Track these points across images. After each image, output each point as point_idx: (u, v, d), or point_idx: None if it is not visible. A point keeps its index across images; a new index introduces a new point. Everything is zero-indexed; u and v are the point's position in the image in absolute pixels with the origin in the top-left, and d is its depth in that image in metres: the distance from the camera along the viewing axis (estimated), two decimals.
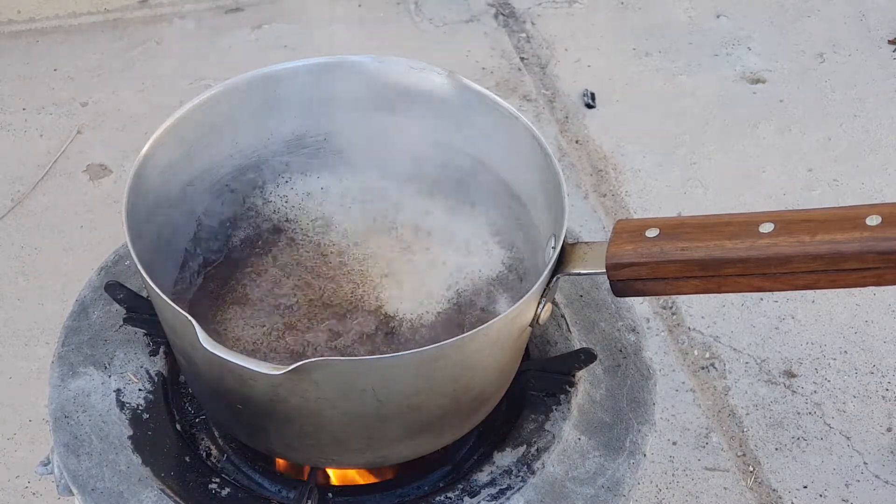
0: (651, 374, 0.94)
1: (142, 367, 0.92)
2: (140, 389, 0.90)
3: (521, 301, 0.73)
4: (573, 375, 0.92)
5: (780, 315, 1.75)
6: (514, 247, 0.88)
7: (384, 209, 0.93)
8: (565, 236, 0.74)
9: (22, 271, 1.78)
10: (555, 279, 0.74)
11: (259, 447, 0.83)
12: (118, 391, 0.90)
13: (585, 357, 0.91)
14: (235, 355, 0.68)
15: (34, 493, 1.47)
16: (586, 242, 0.74)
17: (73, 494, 0.86)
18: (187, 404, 0.92)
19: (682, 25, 2.34)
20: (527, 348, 0.96)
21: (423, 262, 0.90)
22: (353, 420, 0.75)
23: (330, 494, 0.86)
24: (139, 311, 0.93)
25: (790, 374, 1.66)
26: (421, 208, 0.92)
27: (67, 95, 2.14)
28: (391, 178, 0.93)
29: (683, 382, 1.63)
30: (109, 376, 0.91)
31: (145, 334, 0.94)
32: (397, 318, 0.86)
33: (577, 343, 0.96)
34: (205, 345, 0.68)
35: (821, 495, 1.50)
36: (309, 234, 0.93)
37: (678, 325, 1.73)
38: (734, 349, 1.69)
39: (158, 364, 0.93)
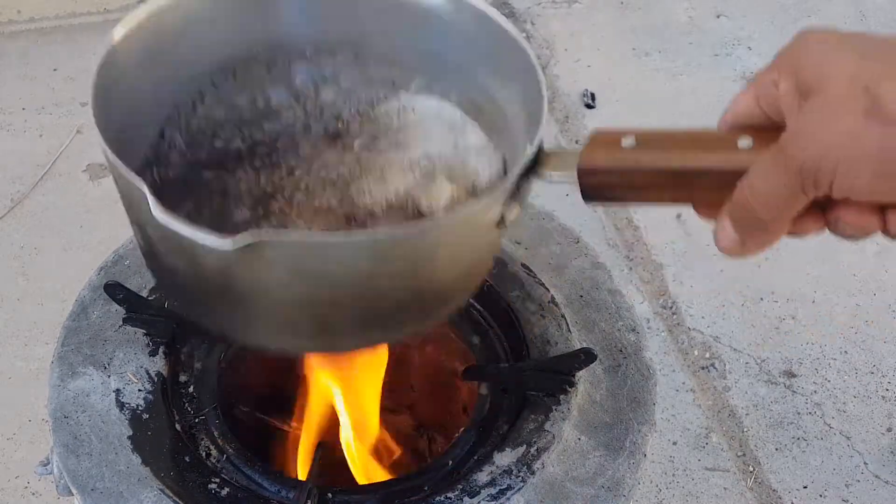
0: (651, 374, 0.94)
1: (141, 367, 0.92)
2: (140, 390, 0.90)
3: (485, 195, 0.71)
4: (573, 375, 0.92)
5: (780, 315, 1.76)
6: (492, 159, 0.87)
7: (374, 99, 0.92)
8: (541, 142, 0.73)
9: (21, 271, 1.78)
10: (525, 180, 0.72)
11: (208, 328, 0.82)
12: (118, 391, 0.90)
13: (585, 357, 0.91)
14: (186, 226, 0.65)
15: (34, 494, 1.47)
16: (562, 149, 0.73)
17: (73, 494, 0.86)
18: (187, 404, 0.92)
19: (682, 25, 2.35)
20: (521, 342, 0.96)
21: (407, 159, 0.89)
22: (305, 304, 0.73)
23: (330, 494, 0.85)
24: (139, 311, 0.93)
25: (790, 374, 1.66)
26: (413, 105, 0.91)
27: (67, 95, 2.14)
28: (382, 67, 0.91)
29: (683, 382, 1.63)
30: (109, 376, 0.91)
31: (145, 334, 0.94)
32: (375, 211, 0.85)
33: (577, 343, 0.96)
34: (155, 214, 0.65)
35: (821, 495, 1.50)
36: (292, 126, 0.92)
37: (678, 325, 1.73)
38: (734, 349, 1.69)
39: (158, 364, 0.93)
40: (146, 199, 0.66)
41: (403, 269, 0.72)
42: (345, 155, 0.91)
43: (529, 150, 0.71)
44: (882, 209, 0.58)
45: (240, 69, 0.90)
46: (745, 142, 0.62)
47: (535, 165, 0.72)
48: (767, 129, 0.60)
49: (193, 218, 0.84)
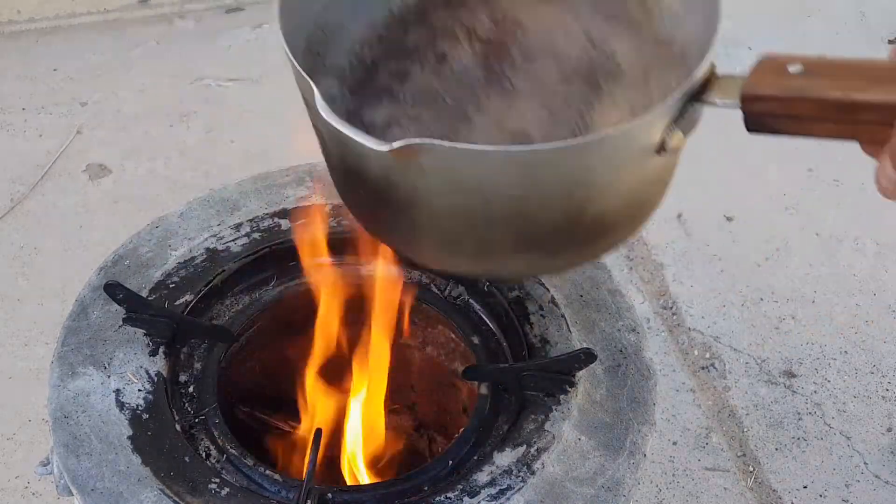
0: (651, 375, 0.94)
1: (141, 367, 0.92)
2: (140, 390, 0.90)
3: (642, 116, 0.68)
4: (573, 375, 0.92)
5: (780, 315, 1.75)
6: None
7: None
8: (711, 65, 0.70)
9: (21, 271, 1.78)
10: (690, 105, 0.69)
11: (385, 241, 0.83)
12: (118, 391, 0.90)
13: (585, 357, 0.91)
14: (345, 125, 0.67)
15: (34, 494, 1.47)
16: (731, 75, 0.70)
17: (73, 494, 0.86)
18: (187, 404, 0.92)
19: None
20: (521, 342, 0.96)
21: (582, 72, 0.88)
22: (462, 217, 0.73)
23: (330, 495, 0.85)
24: (139, 311, 0.93)
25: (790, 374, 1.66)
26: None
27: (67, 95, 2.14)
28: None
29: (683, 382, 1.63)
30: (109, 376, 0.91)
31: (145, 334, 0.94)
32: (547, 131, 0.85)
33: (577, 343, 0.96)
34: (320, 110, 0.67)
35: (821, 495, 1.50)
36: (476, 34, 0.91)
37: (678, 325, 1.73)
38: (734, 349, 1.69)
39: (158, 364, 0.93)
40: (315, 96, 0.67)
41: (556, 187, 0.70)
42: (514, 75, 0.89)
43: (694, 73, 0.69)
44: None
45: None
46: None
47: (702, 89, 0.69)
48: None
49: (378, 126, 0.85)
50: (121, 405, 0.89)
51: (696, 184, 1.93)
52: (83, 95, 2.14)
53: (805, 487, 1.51)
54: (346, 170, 0.76)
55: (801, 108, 0.63)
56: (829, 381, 1.65)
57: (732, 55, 2.24)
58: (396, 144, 0.64)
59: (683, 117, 0.69)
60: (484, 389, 0.93)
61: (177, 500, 0.83)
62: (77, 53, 2.25)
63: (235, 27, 2.34)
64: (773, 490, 1.51)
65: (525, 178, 0.69)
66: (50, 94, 2.14)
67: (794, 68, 0.64)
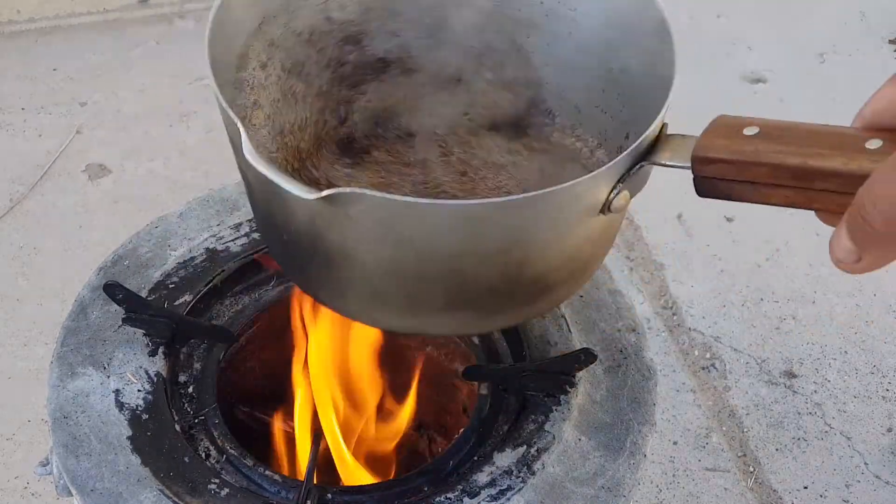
0: (651, 375, 0.94)
1: (141, 367, 0.92)
2: (139, 390, 0.90)
3: (587, 176, 0.65)
4: (573, 376, 0.91)
5: (780, 315, 1.75)
6: (610, 139, 0.83)
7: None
8: (662, 126, 0.68)
9: (21, 271, 1.78)
10: (637, 166, 0.67)
11: (308, 291, 0.81)
12: (117, 391, 0.90)
13: (585, 357, 0.91)
14: (272, 171, 0.64)
15: (33, 494, 1.47)
16: (683, 134, 0.67)
17: (72, 495, 0.85)
18: (187, 404, 0.92)
19: (682, 25, 2.34)
20: (521, 342, 0.96)
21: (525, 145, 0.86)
22: (392, 272, 0.70)
23: (329, 495, 0.85)
24: (138, 311, 0.93)
25: (790, 375, 1.66)
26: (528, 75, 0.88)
27: (67, 95, 2.14)
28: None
29: (684, 383, 1.63)
30: (108, 377, 0.91)
31: (144, 334, 0.94)
32: (481, 184, 0.82)
33: (578, 343, 0.96)
34: (247, 155, 0.64)
35: (821, 496, 1.50)
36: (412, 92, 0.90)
37: (678, 325, 1.73)
38: (734, 349, 1.69)
39: (157, 364, 0.93)
40: (242, 139, 0.65)
41: (495, 245, 0.68)
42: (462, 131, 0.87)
43: (644, 134, 0.66)
44: None
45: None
46: (874, 143, 0.56)
47: (651, 149, 0.67)
48: None
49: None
50: (120, 405, 0.89)
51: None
52: (83, 95, 2.14)
53: (805, 488, 1.51)
54: (271, 217, 0.73)
55: (755, 174, 0.60)
56: (829, 382, 1.65)
57: (732, 55, 2.25)
58: (325, 193, 0.62)
59: (631, 177, 0.67)
60: (484, 389, 0.93)
61: (176, 500, 0.83)
62: (77, 53, 2.25)
63: None
64: (774, 490, 1.50)
65: (462, 234, 0.66)
66: (50, 94, 2.14)
67: (749, 131, 0.61)
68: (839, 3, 2.43)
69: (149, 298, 0.97)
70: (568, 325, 0.97)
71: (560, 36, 0.86)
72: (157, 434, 0.87)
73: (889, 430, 1.59)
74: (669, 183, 1.98)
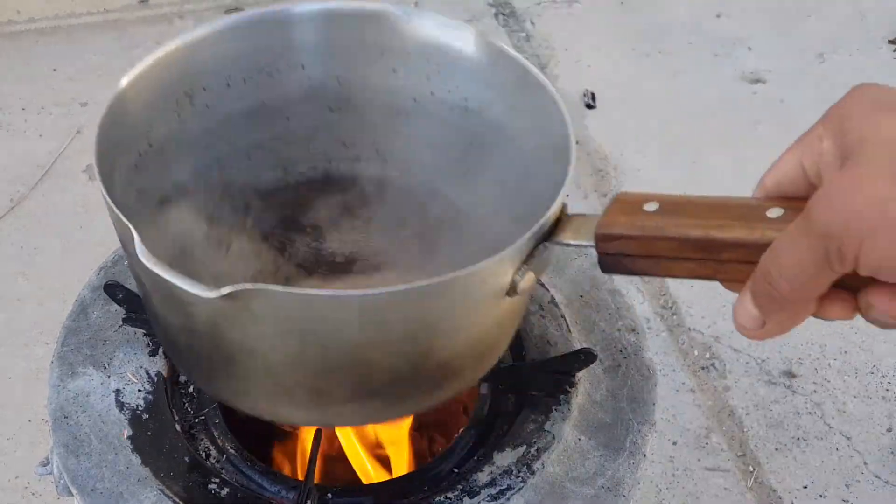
0: (651, 375, 0.94)
1: (141, 367, 0.92)
2: (140, 390, 0.90)
3: (489, 259, 0.65)
4: (573, 376, 0.92)
5: None
6: (520, 216, 0.84)
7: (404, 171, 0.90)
8: (562, 205, 0.68)
9: (21, 271, 1.78)
10: (541, 246, 0.67)
11: (212, 392, 0.80)
12: (117, 391, 0.90)
13: (585, 357, 0.91)
14: (169, 271, 0.62)
15: (33, 494, 1.47)
16: (584, 214, 0.68)
17: (73, 495, 0.85)
18: (187, 404, 0.92)
19: (682, 25, 2.34)
20: (521, 342, 0.96)
21: (432, 224, 0.87)
22: (296, 366, 0.69)
23: (330, 495, 0.85)
24: (139, 311, 0.93)
25: (790, 375, 1.66)
26: (444, 172, 0.88)
27: (67, 96, 2.14)
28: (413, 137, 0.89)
29: (684, 382, 1.63)
30: (109, 376, 0.91)
31: (145, 334, 0.94)
32: (387, 270, 0.83)
33: (578, 343, 0.96)
34: (140, 257, 0.63)
35: (821, 495, 1.50)
36: (314, 193, 0.91)
37: (678, 325, 1.73)
38: (734, 349, 1.69)
39: (158, 364, 0.93)
40: (134, 240, 0.64)
41: (399, 333, 0.67)
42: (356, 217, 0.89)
43: (544, 215, 0.67)
44: None
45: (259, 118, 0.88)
46: (775, 211, 0.56)
47: (553, 230, 0.67)
48: (807, 199, 0.53)
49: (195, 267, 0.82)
50: (121, 405, 0.89)
51: (696, 184, 1.93)
52: (83, 95, 2.14)
53: (805, 487, 1.51)
54: (170, 318, 0.72)
55: (658, 248, 0.60)
56: (829, 381, 1.65)
57: (732, 55, 2.25)
58: (225, 290, 0.61)
59: (534, 258, 0.67)
60: (484, 389, 0.93)
61: (176, 500, 0.83)
62: (77, 53, 2.25)
63: None
64: (773, 490, 1.51)
65: (364, 323, 0.66)
66: (50, 94, 2.14)
67: (650, 206, 0.61)
68: (839, 3, 2.43)
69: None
70: (568, 325, 0.97)
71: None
72: (157, 434, 0.87)
73: (889, 429, 1.59)
74: (668, 183, 1.98)
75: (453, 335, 0.71)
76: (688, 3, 2.40)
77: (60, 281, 1.72)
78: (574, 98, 2.10)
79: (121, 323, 0.94)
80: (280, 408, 0.76)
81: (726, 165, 1.97)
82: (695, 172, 1.97)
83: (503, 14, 2.35)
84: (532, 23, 2.33)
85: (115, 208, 0.68)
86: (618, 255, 0.63)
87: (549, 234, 0.67)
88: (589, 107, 2.08)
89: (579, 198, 1.90)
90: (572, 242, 0.67)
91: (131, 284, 0.96)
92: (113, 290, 0.93)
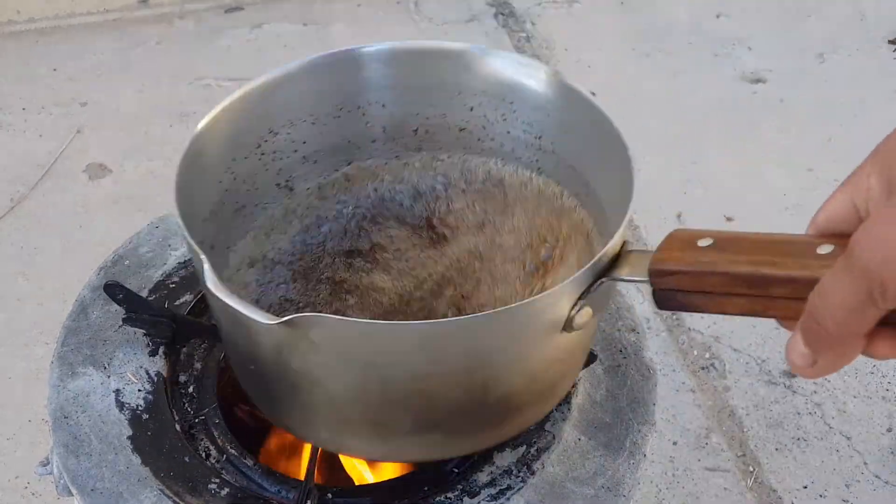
0: (651, 375, 0.94)
1: (141, 367, 0.92)
2: (139, 390, 0.90)
3: (545, 293, 0.66)
4: None
5: None
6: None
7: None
8: (624, 241, 0.69)
9: (21, 271, 1.78)
10: (598, 283, 0.68)
11: (278, 422, 0.82)
12: (117, 391, 0.90)
13: (586, 357, 0.91)
14: (234, 299, 0.65)
15: (33, 494, 1.47)
16: (641, 249, 0.69)
17: (73, 495, 0.85)
18: (187, 404, 0.92)
19: (682, 25, 2.35)
20: None
21: (501, 260, 0.87)
22: (356, 397, 0.71)
23: (329, 495, 0.85)
24: (138, 311, 0.93)
25: (790, 374, 1.66)
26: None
27: (67, 95, 2.14)
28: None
29: (684, 383, 1.63)
30: (109, 376, 0.91)
31: (145, 334, 0.94)
32: (464, 304, 0.83)
33: None
34: (208, 284, 0.65)
35: (821, 495, 1.50)
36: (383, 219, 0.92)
37: (678, 325, 1.73)
38: (734, 349, 1.69)
39: (158, 364, 0.93)
40: (204, 269, 0.66)
41: (455, 364, 0.68)
42: (440, 251, 0.89)
43: (603, 251, 0.67)
44: None
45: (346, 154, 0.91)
46: (825, 248, 0.57)
47: (611, 265, 0.68)
48: None
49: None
50: (121, 405, 0.89)
51: (696, 184, 1.93)
52: (83, 95, 2.14)
53: (805, 487, 1.51)
54: (238, 345, 0.74)
55: (711, 284, 0.61)
56: (829, 381, 1.65)
57: (732, 55, 2.25)
58: (286, 318, 0.63)
59: (592, 293, 0.68)
60: None
61: (177, 500, 0.83)
62: (77, 53, 2.25)
63: (235, 27, 2.34)
64: (773, 490, 1.51)
65: (423, 354, 0.67)
66: (50, 94, 2.14)
67: (703, 242, 0.62)
68: (839, 3, 2.43)
69: (149, 298, 0.97)
70: None
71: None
72: (157, 434, 0.87)
73: (889, 429, 1.59)
74: (669, 183, 1.98)
75: (510, 368, 0.71)
76: (688, 3, 2.40)
77: (60, 281, 1.72)
78: None
79: (121, 323, 0.94)
80: (344, 440, 0.77)
81: (727, 165, 1.97)
82: (694, 172, 1.97)
83: (503, 14, 2.35)
84: (532, 23, 2.33)
85: (189, 238, 0.70)
86: (672, 291, 0.63)
87: (608, 269, 0.68)
88: None
89: None
90: (628, 278, 0.67)
91: (131, 284, 0.96)
92: (113, 290, 0.93)
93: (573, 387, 0.91)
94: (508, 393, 0.73)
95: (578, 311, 0.68)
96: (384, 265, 0.89)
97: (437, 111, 0.90)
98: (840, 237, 0.57)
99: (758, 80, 2.19)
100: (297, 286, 0.87)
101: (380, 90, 0.89)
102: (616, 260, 0.68)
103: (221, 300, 0.65)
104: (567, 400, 0.91)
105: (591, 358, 0.91)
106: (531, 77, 0.85)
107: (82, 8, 2.35)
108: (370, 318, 0.83)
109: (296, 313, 0.63)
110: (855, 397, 1.63)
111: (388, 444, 0.77)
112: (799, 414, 1.60)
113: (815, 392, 1.63)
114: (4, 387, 1.60)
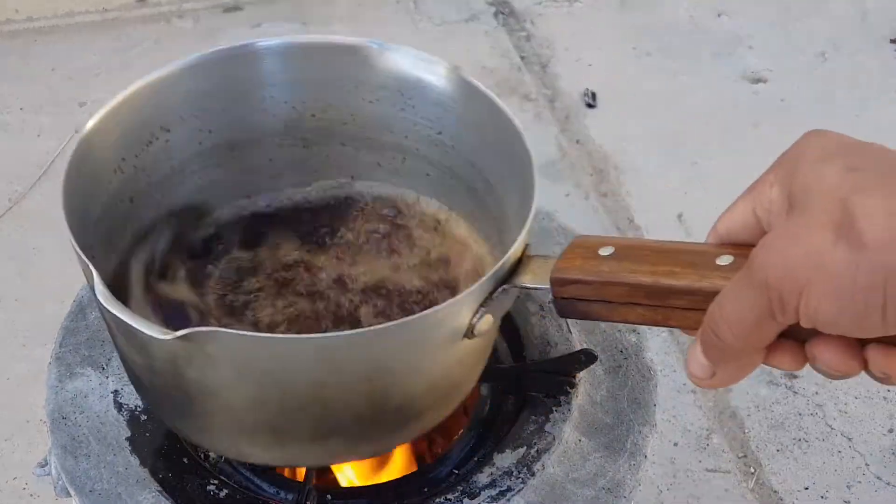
0: (652, 375, 0.94)
1: None
2: None
3: (445, 304, 0.66)
4: (574, 376, 0.91)
5: None
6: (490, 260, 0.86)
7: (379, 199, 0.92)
8: (524, 247, 0.68)
9: (19, 272, 1.78)
10: (500, 290, 0.67)
11: (175, 429, 0.81)
12: (116, 392, 0.90)
13: (586, 358, 0.90)
14: (126, 312, 0.64)
15: (32, 495, 1.47)
16: (543, 255, 0.68)
17: (71, 496, 0.85)
18: None
19: (682, 25, 2.34)
20: (521, 343, 0.95)
21: (408, 262, 0.88)
22: (255, 406, 0.70)
23: (329, 496, 0.85)
24: None
25: (792, 375, 1.65)
26: (418, 204, 0.91)
27: (66, 95, 2.13)
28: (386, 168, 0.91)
29: (684, 383, 1.63)
30: (107, 377, 0.91)
31: None
32: (364, 308, 0.84)
33: (578, 344, 0.95)
34: (99, 297, 0.65)
35: (822, 496, 1.50)
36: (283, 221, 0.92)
37: None
38: None
39: None
40: (94, 280, 0.65)
41: (354, 375, 0.68)
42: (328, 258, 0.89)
43: (503, 258, 0.67)
44: (862, 345, 0.50)
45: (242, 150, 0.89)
46: (725, 259, 0.57)
47: (512, 272, 0.68)
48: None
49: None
50: (119, 406, 0.89)
51: (697, 184, 1.93)
52: (82, 95, 2.13)
53: (806, 489, 1.50)
54: (132, 356, 0.74)
55: (611, 293, 0.61)
56: (830, 382, 1.65)
57: (732, 55, 2.24)
58: (180, 333, 0.62)
59: (493, 300, 0.67)
60: (484, 389, 0.93)
61: (175, 501, 0.82)
62: (76, 53, 2.24)
63: (234, 26, 2.34)
64: (775, 491, 1.50)
65: (321, 366, 0.66)
66: (49, 93, 2.14)
67: (605, 251, 0.61)
68: (840, 2, 2.42)
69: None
70: (568, 326, 0.97)
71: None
72: (156, 435, 0.87)
73: (890, 430, 1.58)
74: (669, 183, 1.98)
75: (410, 377, 0.71)
76: (688, 3, 2.39)
77: (59, 281, 1.72)
78: (574, 97, 2.10)
79: None
80: (242, 447, 0.76)
81: (727, 165, 1.96)
82: (695, 172, 1.96)
83: (503, 13, 2.34)
84: (532, 22, 2.32)
85: (76, 247, 0.71)
86: (573, 300, 0.63)
87: (509, 275, 0.67)
88: (589, 106, 2.07)
89: (580, 198, 1.90)
90: (530, 286, 0.67)
91: None
92: None
93: (574, 388, 0.91)
94: (409, 400, 0.73)
95: (480, 318, 0.68)
96: (284, 270, 0.88)
97: (336, 106, 0.89)
98: (740, 247, 0.57)
99: (759, 80, 2.18)
100: (198, 292, 0.86)
101: (276, 86, 0.88)
102: (518, 265, 0.68)
103: (112, 313, 0.64)
104: (567, 401, 0.90)
105: (591, 358, 0.90)
106: (430, 72, 0.84)
107: (81, 7, 2.35)
108: (276, 322, 0.83)
109: (194, 326, 0.63)
110: (856, 398, 1.62)
111: (288, 450, 0.76)
112: (800, 415, 1.60)
113: (817, 393, 1.63)
114: (2, 387, 1.60)
